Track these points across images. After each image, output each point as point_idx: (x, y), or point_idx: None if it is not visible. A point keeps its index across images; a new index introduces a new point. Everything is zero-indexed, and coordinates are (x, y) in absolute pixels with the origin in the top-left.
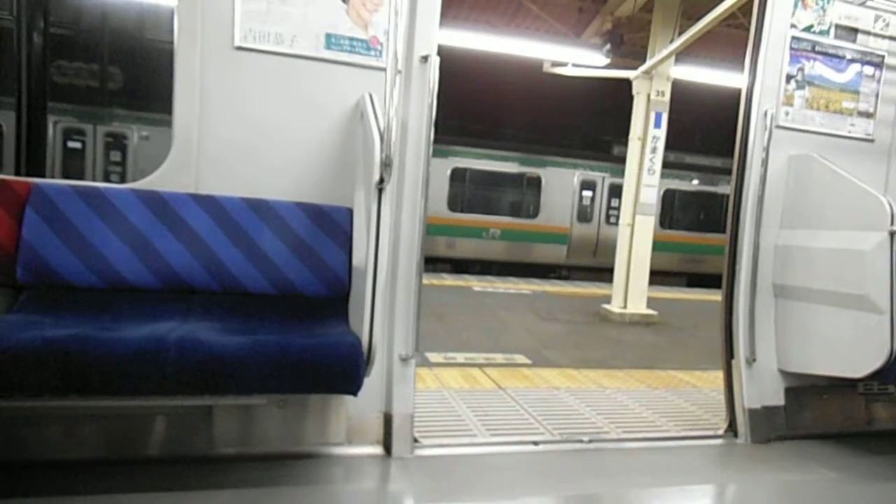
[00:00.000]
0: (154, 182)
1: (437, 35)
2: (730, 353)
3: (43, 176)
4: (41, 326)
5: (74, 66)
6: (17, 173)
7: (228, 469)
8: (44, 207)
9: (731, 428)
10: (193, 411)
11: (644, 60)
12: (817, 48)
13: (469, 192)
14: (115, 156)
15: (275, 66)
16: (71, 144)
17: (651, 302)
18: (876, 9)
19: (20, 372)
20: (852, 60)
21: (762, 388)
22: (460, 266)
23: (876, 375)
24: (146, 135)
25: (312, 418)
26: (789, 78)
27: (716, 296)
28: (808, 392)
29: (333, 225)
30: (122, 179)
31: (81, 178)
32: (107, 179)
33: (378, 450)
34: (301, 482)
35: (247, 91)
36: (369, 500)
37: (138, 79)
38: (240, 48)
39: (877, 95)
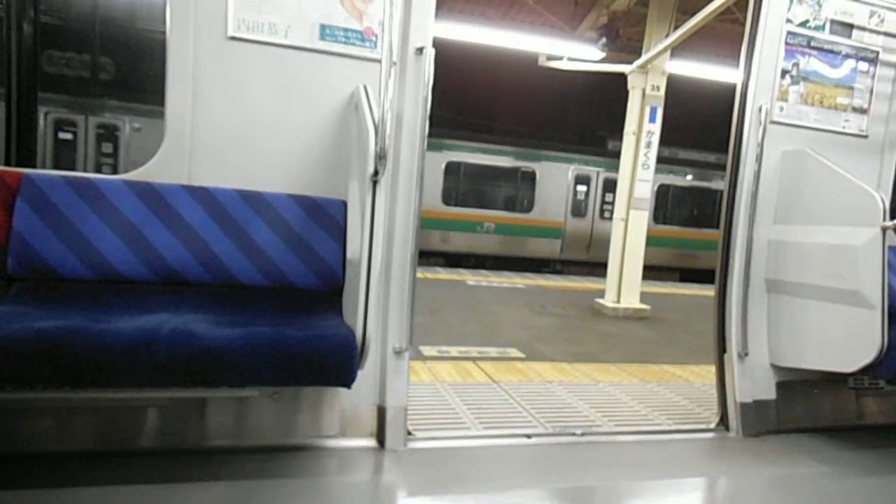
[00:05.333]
0: (146, 173)
1: (432, 27)
2: (722, 347)
3: (34, 167)
4: (32, 318)
5: (66, 56)
6: (8, 164)
7: (222, 461)
8: (35, 198)
9: (723, 422)
10: (187, 403)
11: (639, 55)
12: (812, 43)
13: (463, 186)
14: (107, 147)
15: (268, 57)
16: (62, 135)
17: (644, 296)
18: (871, 4)
19: (11, 364)
20: (847, 56)
21: (754, 383)
22: (454, 260)
23: (866, 370)
24: (138, 126)
25: (306, 411)
26: (784, 73)
27: (709, 291)
28: (799, 386)
29: (327, 217)
30: (114, 171)
31: (73, 169)
32: (98, 171)
33: (371, 442)
34: (295, 474)
35: (240, 82)
36: (363, 492)
37: (130, 69)
38: (233, 38)
39: (871, 91)
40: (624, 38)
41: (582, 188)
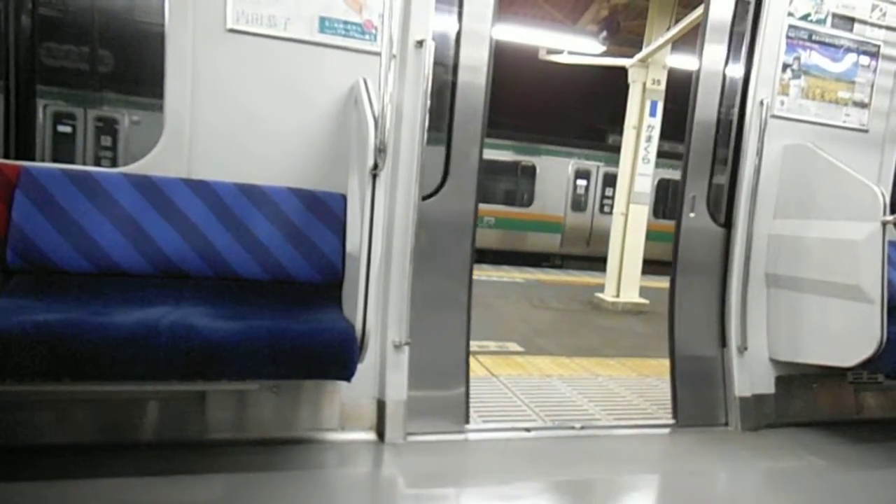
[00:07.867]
0: (145, 166)
1: (432, 19)
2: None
3: (33, 160)
4: (31, 311)
5: (64, 49)
6: (6, 157)
7: (222, 454)
8: (34, 191)
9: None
10: (187, 396)
11: (640, 48)
12: (814, 37)
13: None
14: (106, 140)
15: (268, 50)
16: (61, 128)
17: (643, 291)
18: None
19: (11, 357)
20: (848, 50)
21: (753, 377)
22: None
23: (865, 364)
24: (137, 119)
25: (306, 404)
26: (785, 67)
27: None
28: (798, 380)
29: (327, 211)
30: (114, 164)
31: (72, 162)
32: (97, 164)
33: (371, 435)
34: (294, 467)
35: (239, 75)
36: (362, 485)
37: (129, 62)
38: (232, 31)
39: (872, 86)
40: (624, 31)
41: (582, 182)
